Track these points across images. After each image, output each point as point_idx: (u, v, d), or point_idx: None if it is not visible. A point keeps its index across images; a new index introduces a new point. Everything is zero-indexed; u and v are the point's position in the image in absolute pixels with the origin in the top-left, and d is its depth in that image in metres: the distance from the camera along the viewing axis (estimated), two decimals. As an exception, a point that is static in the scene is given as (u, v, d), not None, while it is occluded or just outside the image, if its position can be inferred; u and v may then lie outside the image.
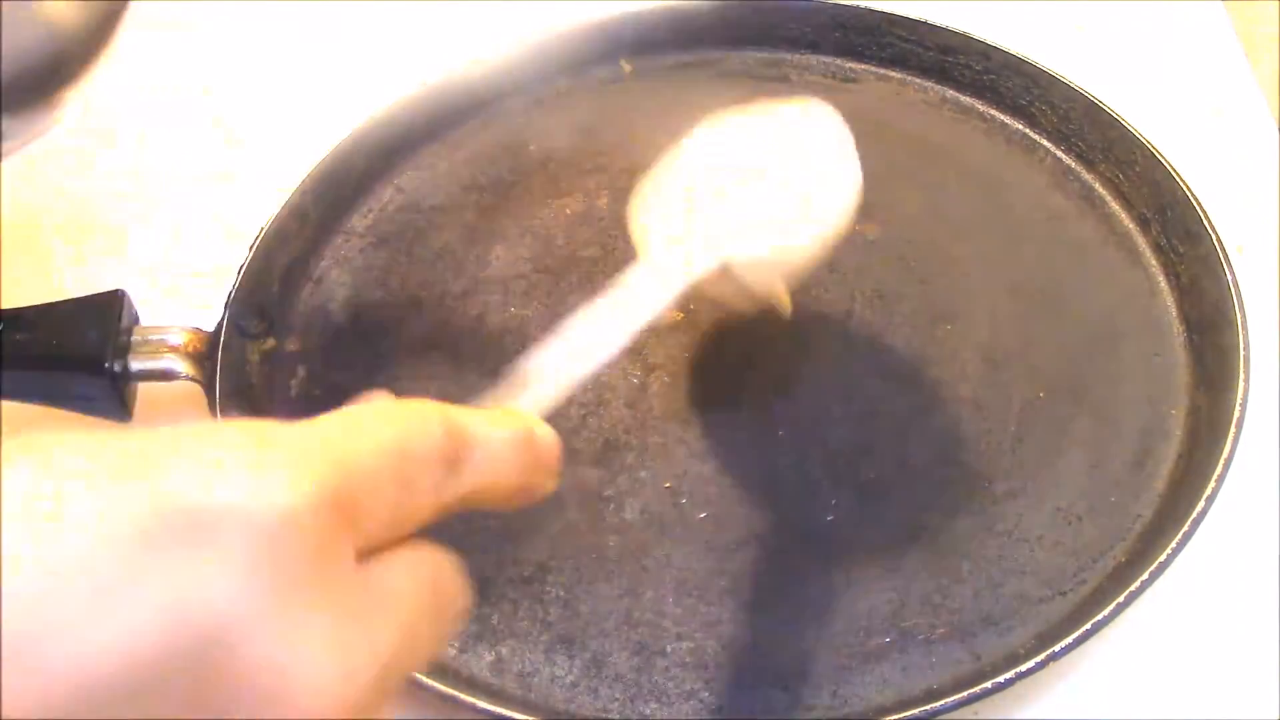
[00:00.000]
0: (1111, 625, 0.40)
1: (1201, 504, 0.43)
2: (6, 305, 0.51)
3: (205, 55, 0.71)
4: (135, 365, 0.49)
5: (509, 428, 0.29)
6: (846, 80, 0.63)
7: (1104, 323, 0.52)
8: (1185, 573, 0.44)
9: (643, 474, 0.48)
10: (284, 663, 0.21)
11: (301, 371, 0.53)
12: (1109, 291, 0.53)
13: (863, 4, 0.63)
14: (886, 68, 0.63)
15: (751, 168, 0.44)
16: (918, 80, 0.62)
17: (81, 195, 0.64)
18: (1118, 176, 0.56)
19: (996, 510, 0.46)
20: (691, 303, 0.46)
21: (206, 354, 0.50)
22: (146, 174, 0.65)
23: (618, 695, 0.42)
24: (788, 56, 0.63)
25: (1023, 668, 0.39)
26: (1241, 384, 0.46)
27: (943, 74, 0.62)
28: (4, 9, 0.35)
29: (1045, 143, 0.59)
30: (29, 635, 0.20)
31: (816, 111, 0.46)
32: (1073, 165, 0.58)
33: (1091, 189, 0.57)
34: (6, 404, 0.51)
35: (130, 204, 0.63)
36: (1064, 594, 0.43)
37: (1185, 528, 0.42)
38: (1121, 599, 0.40)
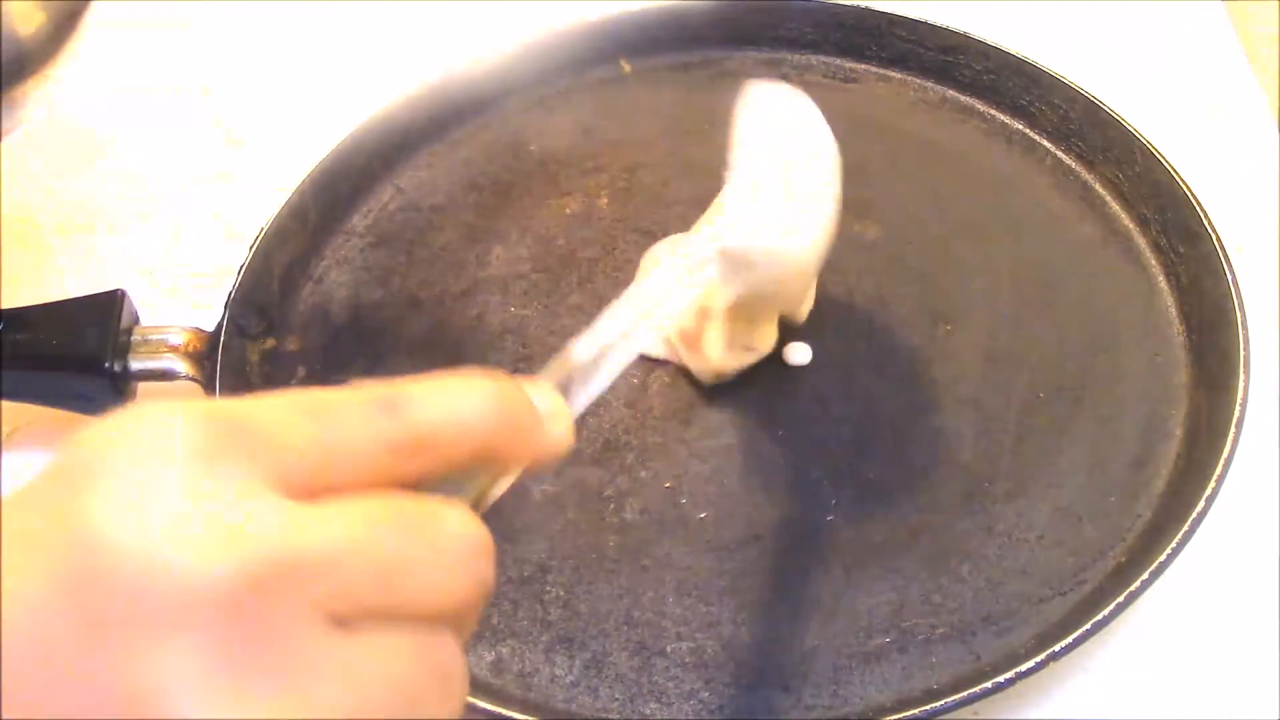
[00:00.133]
0: (1111, 625, 0.40)
1: (1201, 504, 0.43)
2: (6, 305, 0.51)
3: (205, 55, 0.71)
4: (135, 365, 0.49)
5: (471, 403, 0.27)
6: (846, 80, 0.63)
7: (1104, 323, 0.52)
8: (1185, 573, 0.45)
9: (643, 474, 0.48)
10: None
11: (301, 371, 0.53)
12: (1109, 291, 0.53)
13: (863, 4, 0.63)
14: (886, 68, 0.63)
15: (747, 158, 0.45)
16: (918, 80, 0.62)
17: (82, 195, 0.64)
18: (1118, 176, 0.56)
19: (996, 510, 0.46)
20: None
21: (206, 354, 0.50)
22: (146, 174, 0.65)
23: (618, 695, 0.42)
24: (788, 56, 0.63)
25: (1023, 668, 0.39)
26: (1241, 384, 0.46)
27: (943, 74, 0.62)
28: None
29: (1045, 143, 0.59)
30: None
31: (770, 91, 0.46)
32: (1073, 165, 0.58)
33: (1091, 189, 0.57)
34: (6, 404, 0.51)
35: (130, 204, 0.63)
36: (1064, 594, 0.43)
37: (1185, 528, 0.42)
38: (1121, 599, 0.40)
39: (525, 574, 0.45)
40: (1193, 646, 0.44)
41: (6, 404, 0.51)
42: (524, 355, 0.52)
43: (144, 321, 0.51)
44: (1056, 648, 0.40)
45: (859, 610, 0.43)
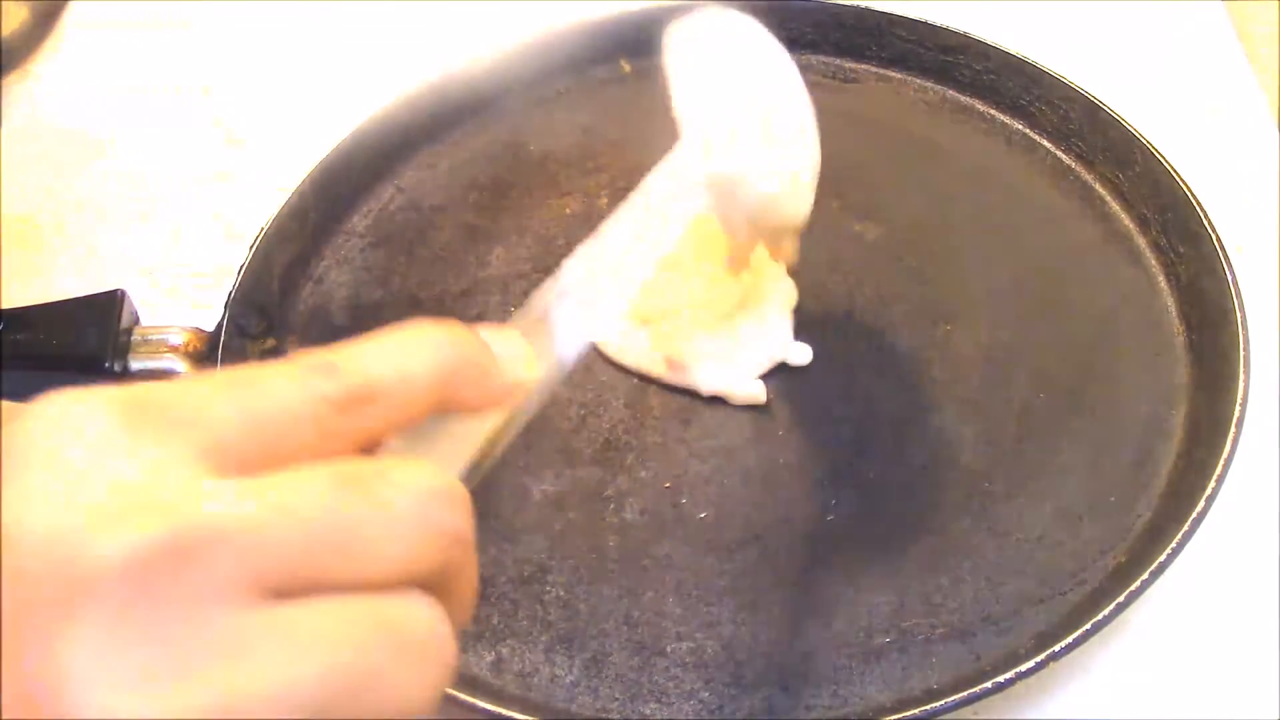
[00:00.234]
0: (1111, 625, 0.40)
1: (1201, 504, 0.43)
2: (6, 305, 0.51)
3: (205, 55, 0.71)
4: (135, 365, 0.49)
5: (414, 349, 0.26)
6: (846, 80, 0.63)
7: (1104, 323, 0.52)
8: (1185, 573, 0.45)
9: (643, 474, 0.48)
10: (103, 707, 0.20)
11: (301, 371, 0.52)
12: (1109, 291, 0.53)
13: (863, 4, 0.63)
14: (886, 68, 0.63)
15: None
16: (918, 80, 0.62)
17: (82, 195, 0.64)
18: (1118, 176, 0.56)
19: (996, 510, 0.46)
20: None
21: (206, 354, 0.50)
22: (146, 174, 0.65)
23: (618, 695, 0.42)
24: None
25: (1023, 668, 0.39)
26: (1241, 384, 0.46)
27: (943, 74, 0.62)
28: None
29: (1045, 143, 0.59)
30: None
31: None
32: (1073, 165, 0.58)
33: (1091, 189, 0.57)
34: (6, 404, 0.51)
35: (130, 204, 0.63)
36: (1064, 594, 0.43)
37: (1185, 528, 0.42)
38: (1121, 599, 0.40)
39: (525, 574, 0.45)
40: (1193, 646, 0.44)
41: (6, 404, 0.51)
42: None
43: (144, 321, 0.51)
44: (1056, 648, 0.40)
45: (859, 610, 0.43)
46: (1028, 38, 0.61)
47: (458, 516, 0.25)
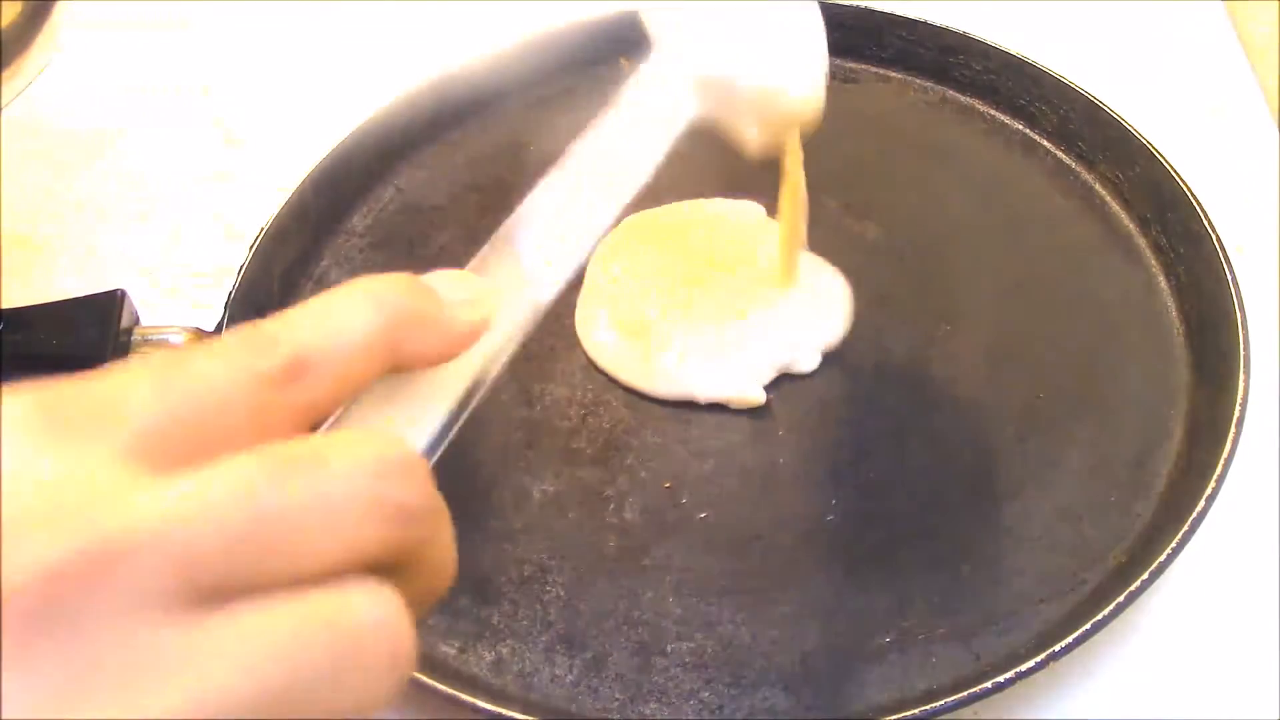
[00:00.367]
0: (1111, 625, 0.40)
1: (1201, 504, 0.42)
2: (6, 305, 0.51)
3: (205, 55, 0.71)
4: (135, 365, 0.49)
5: (348, 308, 0.24)
6: (846, 80, 0.63)
7: (1104, 323, 0.52)
8: (1185, 573, 0.45)
9: (643, 474, 0.48)
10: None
11: (301, 371, 0.52)
12: (1109, 291, 0.53)
13: (863, 4, 0.63)
14: (886, 68, 0.63)
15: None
16: (918, 80, 0.62)
17: (82, 195, 0.64)
18: (1118, 177, 0.56)
19: (996, 510, 0.46)
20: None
21: (206, 354, 0.50)
22: (146, 174, 0.65)
23: (618, 695, 0.42)
24: (788, 56, 0.63)
25: (1023, 668, 0.39)
26: (1241, 384, 0.46)
27: (943, 74, 0.62)
28: None
29: (1045, 143, 0.59)
30: None
31: None
32: (1073, 165, 0.58)
33: (1091, 189, 0.57)
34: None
35: (130, 204, 0.63)
36: (1064, 594, 0.43)
37: (1185, 528, 0.42)
38: (1121, 599, 0.40)
39: (525, 574, 0.45)
40: (1193, 646, 0.44)
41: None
42: (523, 355, 0.52)
43: (144, 321, 0.51)
44: (1056, 648, 0.39)
45: (859, 610, 0.43)
46: (1028, 38, 0.61)
47: (410, 489, 0.22)
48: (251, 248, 0.53)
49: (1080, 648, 0.40)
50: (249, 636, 0.20)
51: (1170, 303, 0.52)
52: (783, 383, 0.50)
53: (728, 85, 0.39)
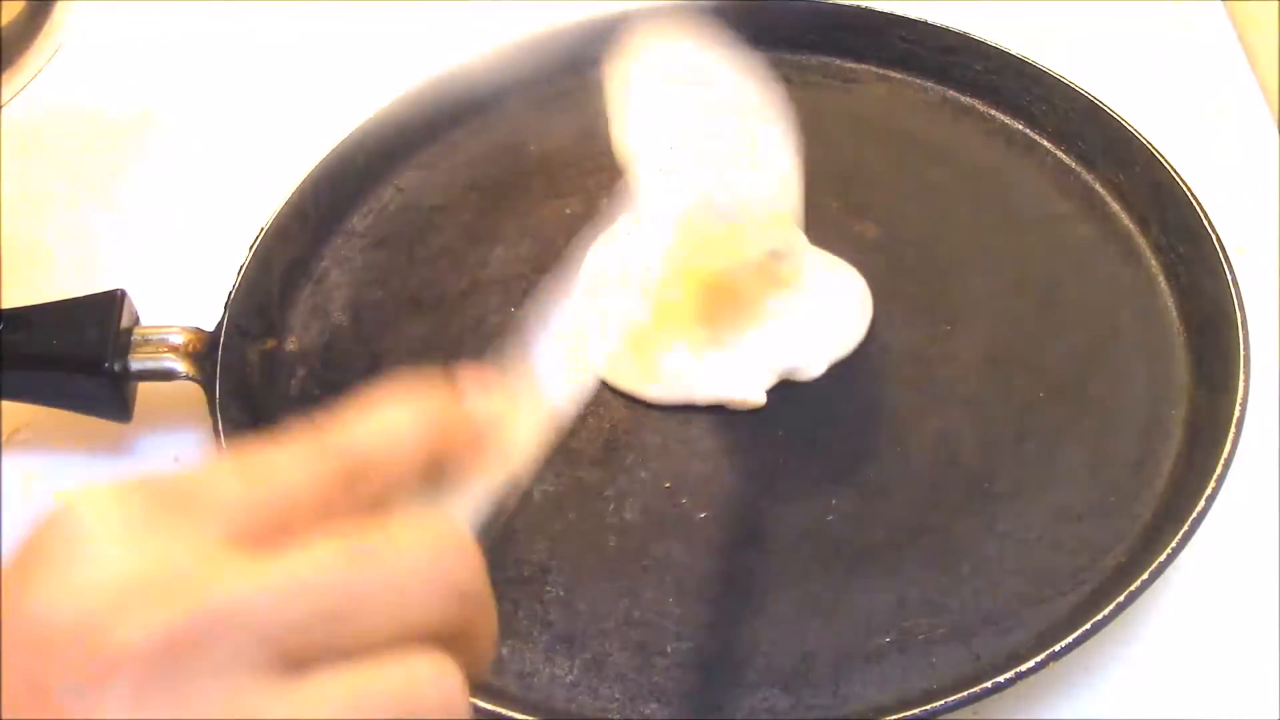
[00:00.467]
0: (1111, 625, 0.40)
1: (1201, 504, 0.42)
2: (6, 305, 0.51)
3: (205, 54, 0.71)
4: (135, 365, 0.49)
5: (396, 419, 0.28)
6: (846, 80, 0.63)
7: (1104, 323, 0.52)
8: (1185, 573, 0.45)
9: (643, 474, 0.48)
10: None
11: (301, 371, 0.53)
12: (1109, 291, 0.53)
13: (863, 4, 0.63)
14: (886, 68, 0.63)
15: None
16: (918, 80, 0.62)
17: (81, 195, 0.64)
18: (1118, 177, 0.56)
19: (996, 510, 0.46)
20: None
21: (206, 354, 0.50)
22: (146, 173, 0.65)
23: (618, 695, 0.42)
24: (788, 56, 0.63)
25: (1023, 668, 0.39)
26: (1241, 384, 0.46)
27: (943, 74, 0.62)
28: None
29: (1045, 143, 0.59)
30: None
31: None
32: (1073, 165, 0.58)
33: (1091, 189, 0.57)
34: (6, 404, 0.51)
35: (130, 203, 0.63)
36: (1064, 594, 0.43)
37: (1185, 528, 0.42)
38: (1121, 599, 0.40)
39: (525, 574, 0.45)
40: (1193, 646, 0.44)
41: (6, 404, 0.51)
42: (524, 356, 0.52)
43: (144, 321, 0.51)
44: (1056, 648, 0.39)
45: (859, 610, 0.43)
46: (1028, 38, 0.61)
47: (466, 570, 0.26)
48: (251, 248, 0.53)
49: (1080, 648, 0.40)
50: (329, 700, 0.23)
51: (1170, 303, 0.52)
52: (783, 384, 0.50)
53: (711, 213, 0.43)
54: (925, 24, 0.62)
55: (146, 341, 0.50)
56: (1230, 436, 0.44)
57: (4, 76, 0.45)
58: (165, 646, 0.22)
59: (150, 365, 0.50)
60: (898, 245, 0.55)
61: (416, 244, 0.57)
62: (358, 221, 0.58)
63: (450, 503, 0.29)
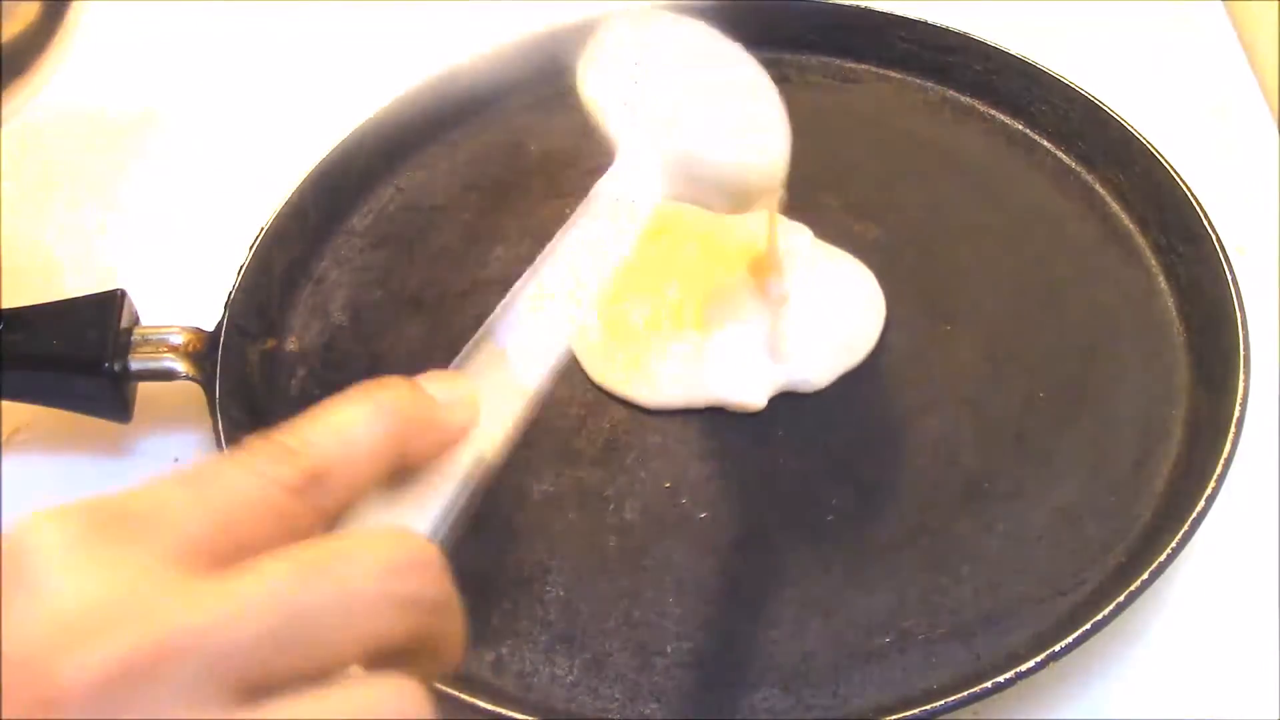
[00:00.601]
0: (1111, 625, 0.40)
1: (1201, 504, 0.43)
2: (6, 305, 0.51)
3: (205, 54, 0.71)
4: (135, 365, 0.49)
5: (355, 420, 0.27)
6: (846, 80, 0.63)
7: (1104, 323, 0.52)
8: (1185, 573, 0.45)
9: (643, 474, 0.48)
10: None
11: (301, 371, 0.53)
12: (1109, 291, 0.53)
13: (863, 4, 0.63)
14: (886, 68, 0.63)
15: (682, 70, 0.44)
16: (918, 80, 0.62)
17: (81, 194, 0.64)
18: (1118, 177, 0.56)
19: (996, 510, 0.46)
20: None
21: (206, 354, 0.50)
22: (146, 173, 0.65)
23: (618, 695, 0.42)
24: (788, 56, 0.63)
25: (1023, 668, 0.39)
26: (1241, 384, 0.46)
27: (943, 74, 0.62)
28: None
29: (1045, 143, 0.59)
30: None
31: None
32: (1073, 165, 0.58)
33: (1091, 189, 0.57)
34: (6, 404, 0.51)
35: (130, 203, 0.63)
36: (1064, 594, 0.43)
37: (1185, 528, 0.42)
38: (1121, 599, 0.40)
39: (525, 574, 0.45)
40: (1193, 646, 0.44)
41: (6, 404, 0.51)
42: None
43: (144, 321, 0.51)
44: (1056, 648, 0.40)
45: (859, 610, 0.43)
46: (1028, 38, 0.61)
47: (426, 583, 0.25)
48: (251, 248, 0.53)
49: (1080, 648, 0.40)
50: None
51: (1170, 303, 0.52)
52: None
53: (694, 164, 0.41)
54: (925, 24, 0.62)
55: (146, 341, 0.50)
56: (1230, 436, 0.44)
57: (15, 84, 0.45)
58: (113, 678, 0.21)
59: (150, 365, 0.50)
60: (898, 245, 0.55)
61: (416, 244, 0.57)
62: (358, 221, 0.58)
63: (415, 498, 0.28)
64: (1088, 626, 0.40)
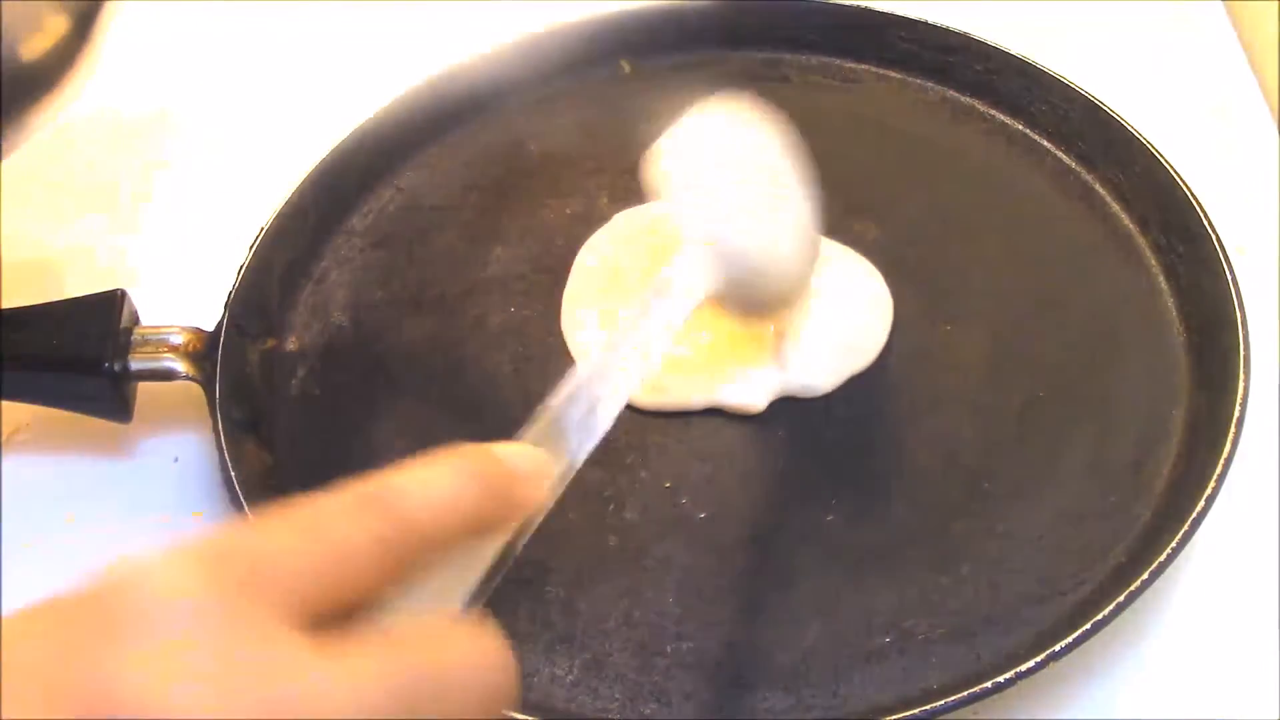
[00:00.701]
0: (1111, 625, 0.40)
1: (1201, 504, 0.43)
2: (6, 305, 0.51)
3: (205, 55, 0.71)
4: (135, 365, 0.49)
5: (448, 484, 0.28)
6: (846, 80, 0.63)
7: (1104, 323, 0.52)
8: (1185, 573, 0.45)
9: (643, 474, 0.48)
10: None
11: (301, 371, 0.53)
12: (1109, 291, 0.53)
13: (863, 4, 0.63)
14: (886, 68, 0.63)
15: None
16: (918, 80, 0.62)
17: (81, 194, 0.64)
18: (1118, 177, 0.56)
19: (996, 510, 0.46)
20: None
21: (206, 354, 0.50)
22: (146, 173, 0.65)
23: (618, 695, 0.42)
24: (788, 56, 0.63)
25: (1023, 668, 0.39)
26: (1241, 384, 0.46)
27: (943, 74, 0.62)
28: None
29: (1045, 143, 0.59)
30: None
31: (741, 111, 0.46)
32: (1073, 165, 0.58)
33: (1091, 189, 0.57)
34: (6, 404, 0.51)
35: (131, 203, 0.63)
36: (1064, 594, 0.43)
37: (1185, 528, 0.42)
38: (1121, 599, 0.40)
39: (525, 574, 0.45)
40: (1193, 646, 0.44)
41: (6, 404, 0.51)
42: (524, 356, 0.52)
43: (144, 321, 0.51)
44: (1056, 648, 0.40)
45: (859, 610, 0.43)
46: (1028, 38, 0.61)
47: (506, 679, 0.27)
48: (251, 248, 0.53)
49: (1080, 648, 0.40)
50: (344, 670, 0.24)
51: (1170, 303, 0.52)
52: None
53: (735, 263, 0.42)
54: (925, 24, 0.62)
55: (146, 341, 0.50)
56: (1230, 436, 0.44)
57: (47, 99, 0.45)
58: (234, 588, 0.23)
59: (150, 365, 0.50)
60: (897, 245, 0.55)
61: (416, 244, 0.57)
62: (358, 221, 0.58)
63: (458, 560, 0.29)
64: (1088, 626, 0.40)
